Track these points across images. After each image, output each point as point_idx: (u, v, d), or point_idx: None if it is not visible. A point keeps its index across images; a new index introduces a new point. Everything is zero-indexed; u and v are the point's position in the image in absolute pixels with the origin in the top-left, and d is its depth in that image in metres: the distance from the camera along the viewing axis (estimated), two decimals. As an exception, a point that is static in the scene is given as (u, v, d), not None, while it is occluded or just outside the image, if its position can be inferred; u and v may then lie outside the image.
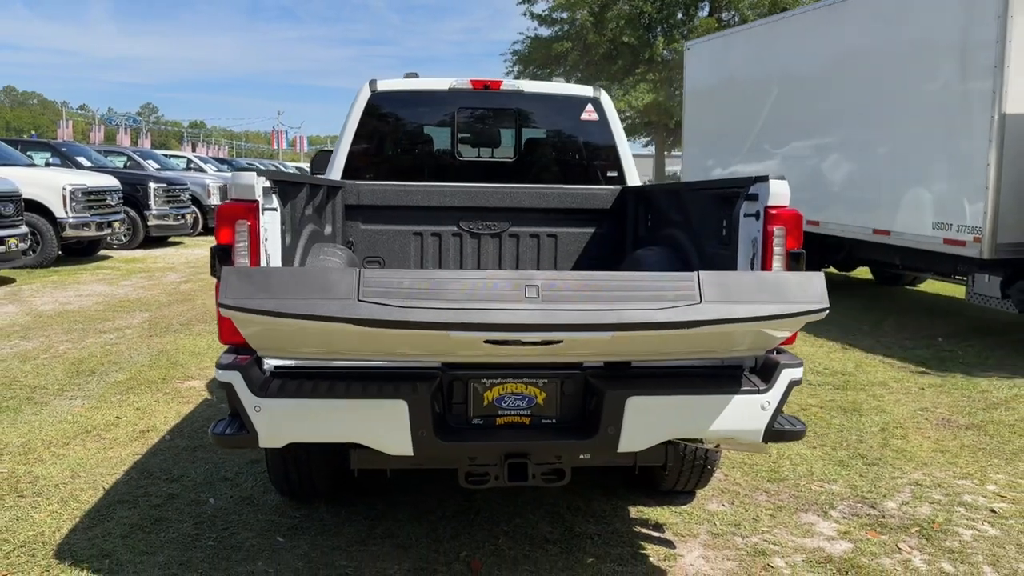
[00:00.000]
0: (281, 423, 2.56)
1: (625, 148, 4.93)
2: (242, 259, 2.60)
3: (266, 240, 2.68)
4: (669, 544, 3.39)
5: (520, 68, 32.91)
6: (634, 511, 3.71)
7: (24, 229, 10.77)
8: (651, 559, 3.24)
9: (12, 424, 4.76)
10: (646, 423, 2.67)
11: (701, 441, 3.02)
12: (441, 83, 4.82)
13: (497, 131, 4.97)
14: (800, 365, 2.80)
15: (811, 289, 2.30)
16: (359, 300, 2.14)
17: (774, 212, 2.77)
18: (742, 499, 3.86)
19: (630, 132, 36.75)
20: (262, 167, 23.27)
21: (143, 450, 4.37)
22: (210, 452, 4.32)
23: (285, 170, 22.39)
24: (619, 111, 31.42)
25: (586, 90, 4.91)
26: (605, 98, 4.92)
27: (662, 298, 2.23)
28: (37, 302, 9.11)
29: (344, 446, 2.86)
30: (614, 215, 4.84)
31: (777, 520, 3.62)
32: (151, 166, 17.90)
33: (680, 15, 31.64)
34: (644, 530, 3.52)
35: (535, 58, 32.16)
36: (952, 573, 3.16)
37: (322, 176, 4.67)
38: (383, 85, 4.80)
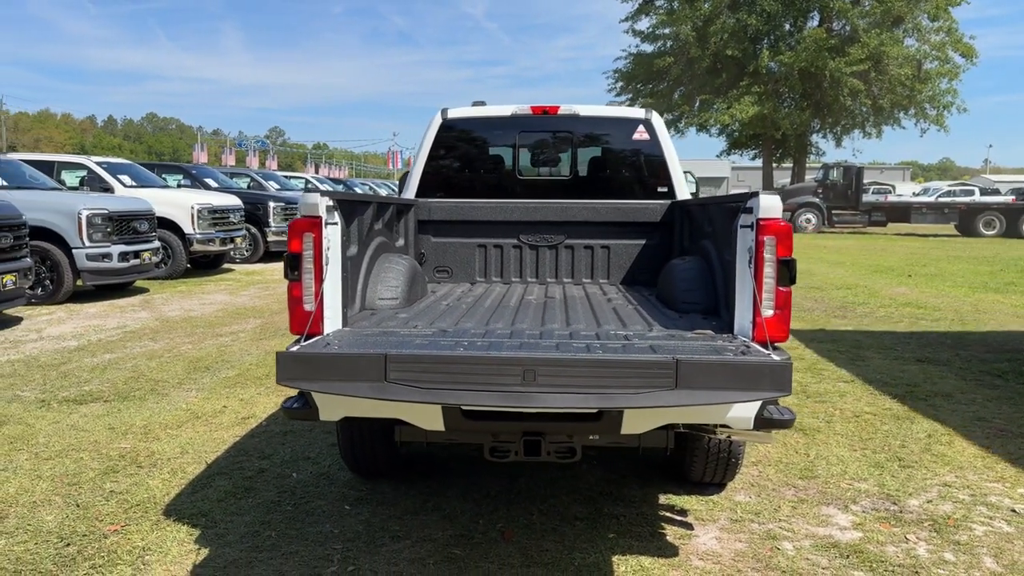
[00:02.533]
0: (337, 402, 3.08)
1: (675, 164, 5.27)
2: (308, 264, 3.16)
3: (328, 249, 3.23)
4: (688, 526, 3.72)
5: (622, 85, 33.24)
6: (663, 498, 4.05)
7: (157, 244, 12.01)
8: (668, 538, 3.59)
9: (137, 410, 5.54)
10: (646, 410, 3.04)
11: (713, 430, 3.37)
12: (504, 110, 5.32)
13: (555, 152, 5.42)
14: (788, 361, 3.10)
15: (779, 379, 2.60)
16: (386, 381, 2.63)
17: (764, 224, 3.09)
18: (769, 492, 4.13)
19: (735, 145, 36.44)
20: (348, 187, 24.62)
21: (242, 433, 5.03)
22: (298, 436, 4.94)
23: (376, 190, 23.23)
24: (722, 124, 31.30)
25: (638, 112, 5.30)
26: (656, 119, 5.29)
27: (640, 385, 2.58)
28: (166, 309, 10.19)
29: (391, 421, 3.37)
30: (664, 227, 5.19)
31: (797, 511, 3.88)
32: (272, 187, 19.26)
33: (788, 27, 31.16)
34: (668, 514, 3.85)
35: (637, 74, 32.42)
36: (951, 561, 3.35)
37: (392, 196, 5.25)
38: (452, 113, 5.34)
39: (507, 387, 2.62)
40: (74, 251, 10.46)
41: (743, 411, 3.03)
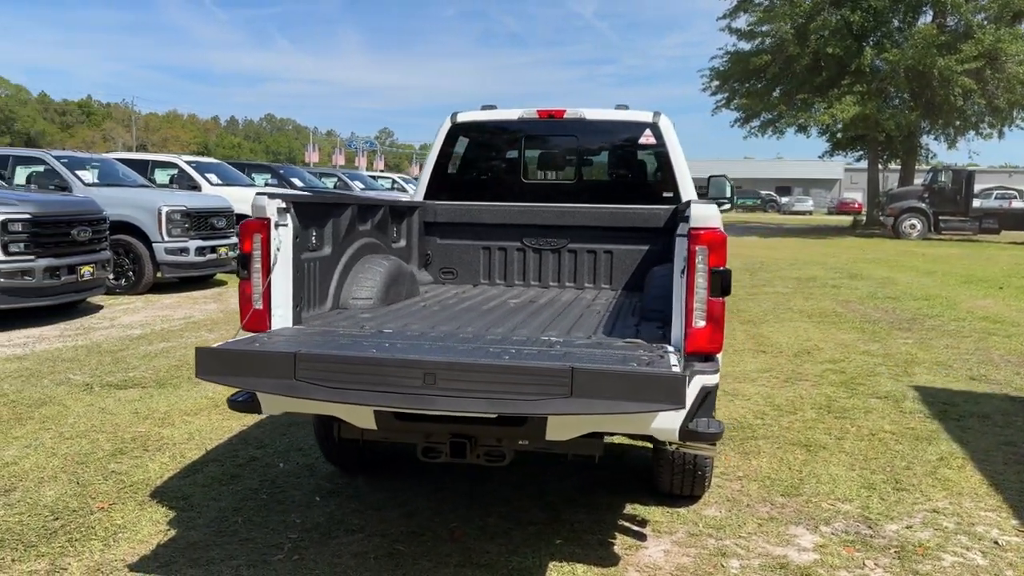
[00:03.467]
0: (275, 398, 3.21)
1: (682, 169, 5.18)
2: (257, 264, 3.32)
3: (277, 250, 3.37)
4: (642, 537, 3.67)
5: (717, 84, 32.47)
6: (629, 508, 4.00)
7: (234, 240, 12.62)
8: (615, 547, 3.55)
9: (166, 397, 5.89)
10: (569, 417, 3.04)
11: (664, 442, 3.32)
12: (512, 114, 5.37)
13: (560, 156, 5.42)
14: (715, 372, 3.04)
15: (672, 391, 2.54)
16: (295, 379, 2.73)
17: (697, 233, 3.03)
18: (743, 508, 4.01)
19: (838, 147, 34.97)
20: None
21: (250, 423, 5.27)
22: (299, 428, 5.13)
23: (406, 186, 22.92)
24: (822, 125, 30.10)
25: (645, 116, 5.23)
26: (664, 123, 5.21)
27: (536, 392, 2.58)
28: (234, 302, 10.72)
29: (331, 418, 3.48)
30: (667, 233, 5.11)
31: (763, 529, 3.77)
32: (357, 186, 19.89)
33: (896, 23, 29.69)
34: (626, 524, 3.81)
35: (732, 73, 31.60)
36: (902, 591, 3.19)
37: (378, 196, 5.38)
38: (462, 117, 5.42)
39: (408, 389, 2.68)
40: (154, 245, 11.13)
41: (667, 422, 2.98)
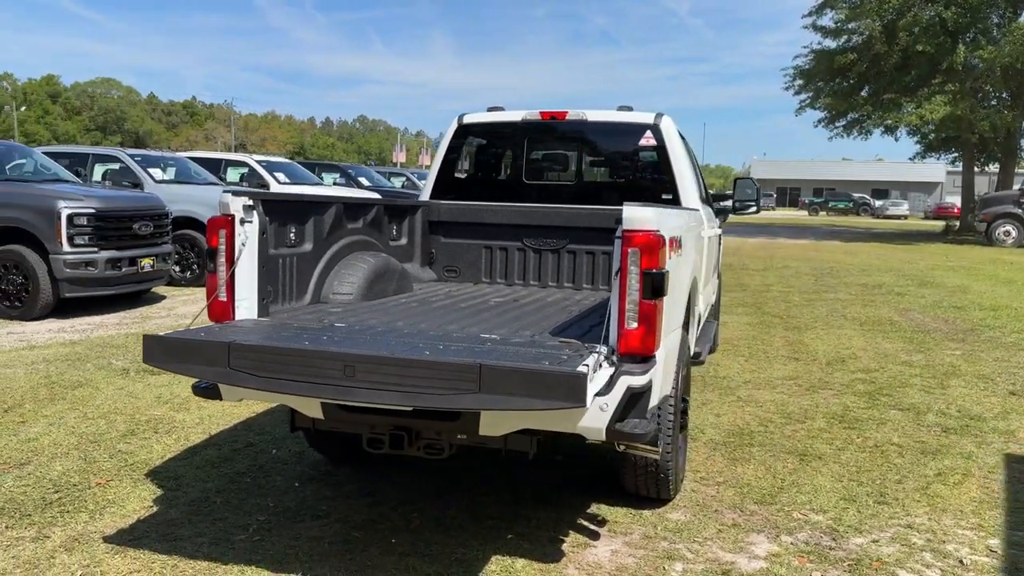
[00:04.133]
0: (233, 388, 3.39)
1: (683, 171, 5.14)
2: (221, 258, 3.51)
3: (243, 245, 3.56)
4: (595, 536, 3.69)
5: (801, 83, 31.54)
6: (594, 507, 4.02)
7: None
8: (564, 545, 3.59)
9: (189, 384, 6.20)
10: (498, 413, 3.10)
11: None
12: (515, 115, 5.44)
13: (561, 157, 5.46)
14: (643, 373, 3.04)
15: (573, 390, 2.59)
16: (230, 368, 2.90)
17: (628, 235, 3.05)
18: (710, 513, 3.98)
19: (930, 149, 33.43)
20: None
21: (259, 411, 5.52)
22: (303, 418, 5.34)
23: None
24: (911, 126, 28.84)
25: (646, 117, 5.22)
26: (666, 124, 5.18)
27: (446, 387, 2.67)
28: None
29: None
30: None
31: (721, 535, 3.73)
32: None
33: (995, 18, 28.19)
34: (585, 523, 3.84)
35: (817, 72, 30.63)
36: (840, 604, 3.12)
37: (362, 195, 5.52)
38: (468, 118, 5.53)
39: (330, 381, 2.80)
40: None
41: (593, 421, 3.01)
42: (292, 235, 4.02)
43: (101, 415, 5.34)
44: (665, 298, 3.23)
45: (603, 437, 3.05)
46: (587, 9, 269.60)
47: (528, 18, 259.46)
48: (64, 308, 9.20)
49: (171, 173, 12.78)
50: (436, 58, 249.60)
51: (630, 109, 5.34)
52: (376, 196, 15.46)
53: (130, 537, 3.59)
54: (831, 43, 30.46)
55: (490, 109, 5.60)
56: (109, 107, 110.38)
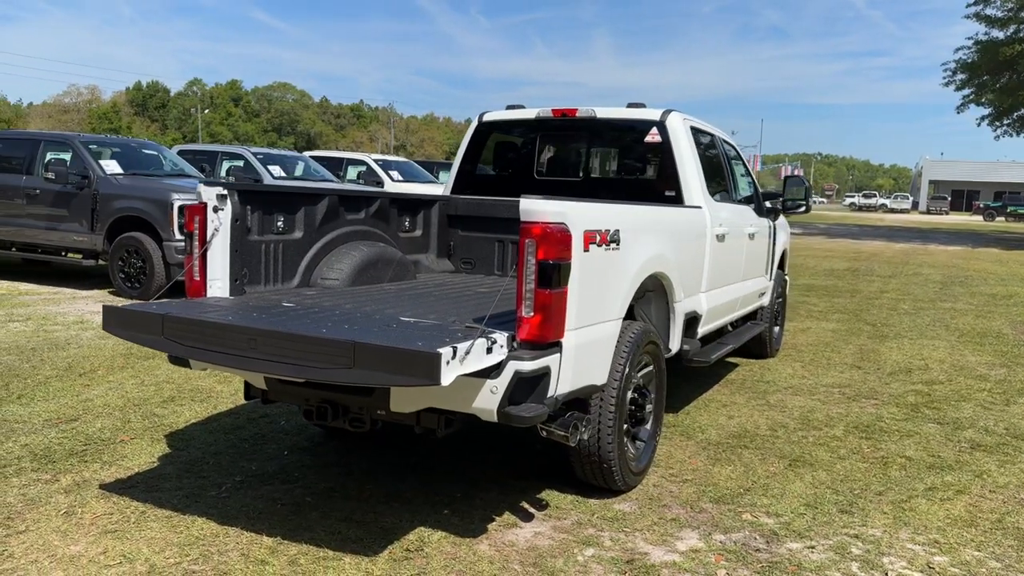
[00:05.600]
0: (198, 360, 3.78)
1: (688, 169, 5.11)
2: (195, 241, 3.92)
3: (216, 231, 3.95)
4: (528, 519, 3.81)
5: (963, 78, 29.20)
6: (545, 493, 4.13)
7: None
8: (493, 524, 3.73)
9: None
10: (409, 391, 3.31)
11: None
12: (529, 113, 5.59)
13: (571, 154, 5.55)
14: (533, 359, 3.15)
15: (428, 367, 2.76)
16: (164, 337, 3.29)
17: (526, 227, 3.17)
18: (657, 507, 3.99)
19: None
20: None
21: (290, 387, 5.98)
22: (324, 395, 5.75)
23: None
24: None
25: (653, 114, 5.22)
26: (672, 121, 5.16)
27: (326, 362, 2.92)
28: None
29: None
30: None
31: (653, 528, 3.74)
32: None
33: None
34: (527, 506, 3.96)
35: (980, 65, 28.25)
36: (727, 601, 3.09)
37: (356, 187, 5.79)
38: (488, 116, 5.74)
39: (238, 352, 3.12)
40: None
41: (485, 402, 3.16)
42: (280, 223, 4.39)
43: (154, 383, 5.98)
44: (578, 289, 3.32)
45: (495, 418, 3.19)
46: (758, 3, 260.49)
47: (694, 14, 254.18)
48: (175, 289, 10.20)
49: (290, 171, 13.77)
50: (596, 58, 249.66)
51: (642, 106, 5.35)
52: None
53: (121, 486, 4.08)
54: (998, 33, 28.00)
55: (509, 107, 5.77)
56: (284, 110, 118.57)
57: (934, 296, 12.93)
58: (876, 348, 8.34)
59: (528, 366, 3.15)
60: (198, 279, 3.93)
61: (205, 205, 3.91)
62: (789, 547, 3.58)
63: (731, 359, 7.49)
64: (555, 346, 3.28)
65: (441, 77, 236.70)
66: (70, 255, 10.86)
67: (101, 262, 10.61)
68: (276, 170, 13.22)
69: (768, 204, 6.98)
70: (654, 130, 5.18)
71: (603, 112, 5.40)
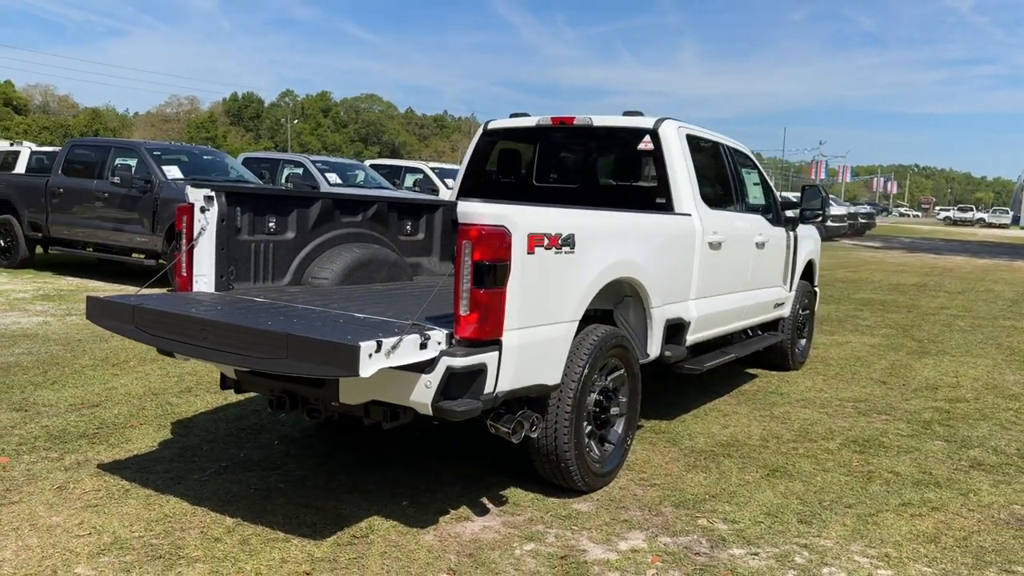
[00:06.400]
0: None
1: (680, 177, 5.13)
2: (183, 239, 4.20)
3: (203, 230, 4.22)
4: (483, 513, 3.92)
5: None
6: (508, 490, 4.22)
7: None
8: (446, 516, 3.85)
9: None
10: (353, 383, 3.47)
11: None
12: (530, 121, 5.71)
13: (568, 160, 5.64)
14: (466, 355, 3.26)
15: (347, 359, 2.92)
16: (134, 326, 3.55)
17: (463, 229, 3.29)
18: (614, 509, 4.03)
19: None
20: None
21: (302, 383, 6.25)
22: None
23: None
24: None
25: (646, 121, 5.27)
26: (666, 129, 5.20)
27: (264, 352, 3.13)
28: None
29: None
30: None
31: (604, 528, 3.79)
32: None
33: None
34: (485, 500, 4.07)
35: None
36: (646, 600, 3.12)
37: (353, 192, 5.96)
38: (492, 124, 5.89)
39: (193, 341, 3.36)
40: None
41: (420, 396, 3.30)
42: (272, 224, 4.64)
43: (177, 375, 6.34)
44: (520, 290, 3.43)
45: (430, 412, 3.32)
46: (851, 10, 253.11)
47: (783, 22, 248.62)
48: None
49: (348, 179, 14.24)
50: (683, 67, 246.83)
51: (639, 114, 5.40)
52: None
53: (115, 466, 4.38)
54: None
55: (513, 115, 5.90)
56: (371, 120, 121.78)
57: (997, 314, 12.37)
58: (910, 364, 8.08)
59: (460, 362, 3.26)
60: (185, 275, 4.20)
61: (192, 206, 4.18)
62: (732, 553, 3.58)
63: (750, 370, 7.40)
64: (493, 344, 3.39)
65: (524, 87, 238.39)
66: (134, 255, 11.53)
67: (161, 262, 11.21)
68: (333, 177, 13.70)
69: (789, 214, 6.89)
70: (647, 138, 5.23)
71: (599, 120, 5.47)
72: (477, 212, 3.31)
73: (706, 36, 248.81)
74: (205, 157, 12.38)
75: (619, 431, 4.44)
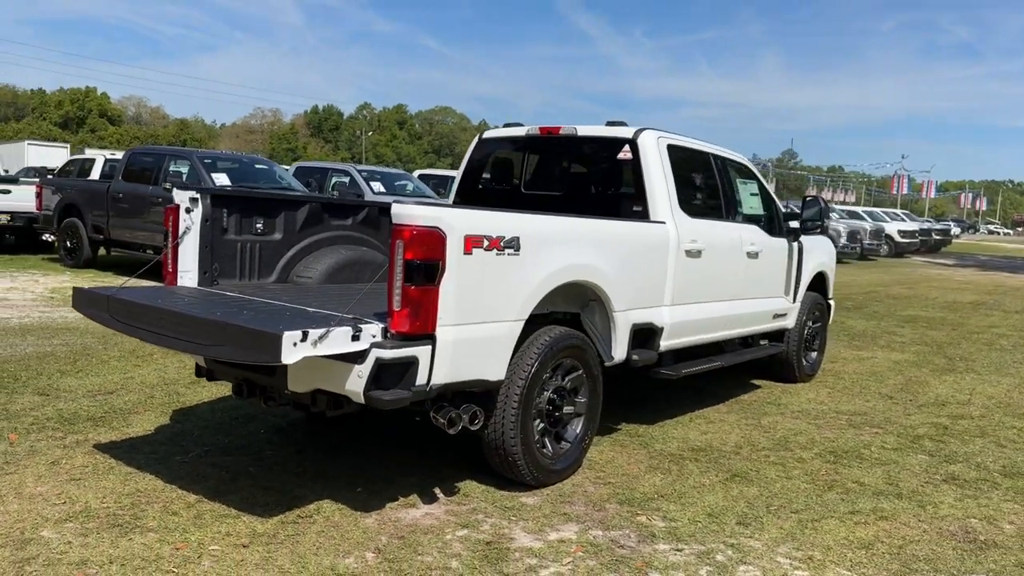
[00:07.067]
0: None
1: (656, 186, 5.24)
2: (169, 237, 4.54)
3: (187, 229, 4.56)
4: (430, 501, 4.11)
5: None
6: (465, 483, 4.40)
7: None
8: (393, 503, 4.06)
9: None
10: (300, 373, 3.73)
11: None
12: (521, 131, 5.91)
13: (553, 169, 5.80)
14: (395, 347, 3.47)
15: (270, 346, 3.16)
16: (109, 315, 3.90)
17: (397, 230, 3.51)
18: (559, 503, 4.17)
19: None
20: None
21: (306, 379, 6.57)
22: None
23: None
24: None
25: (626, 131, 5.40)
26: (644, 139, 5.32)
27: (206, 341, 3.41)
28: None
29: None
30: None
31: (540, 519, 3.94)
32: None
33: None
34: (437, 490, 4.26)
35: None
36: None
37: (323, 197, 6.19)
38: (487, 134, 6.12)
39: (156, 329, 3.67)
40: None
41: (353, 385, 3.52)
42: (259, 226, 4.95)
43: (191, 367, 6.71)
44: (455, 288, 3.63)
45: (362, 400, 3.54)
46: (946, 20, 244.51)
47: (872, 32, 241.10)
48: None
49: (396, 187, 14.67)
50: (763, 78, 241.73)
51: (623, 124, 5.54)
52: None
53: (108, 447, 4.75)
54: None
55: (506, 125, 6.10)
56: (444, 132, 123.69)
57: (1050, 333, 11.90)
58: (927, 380, 7.91)
59: (388, 354, 3.48)
60: (171, 270, 4.55)
61: (178, 207, 4.53)
62: (656, 548, 3.68)
63: (755, 381, 7.40)
64: (426, 339, 3.60)
65: (599, 99, 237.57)
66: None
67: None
68: (377, 186, 14.15)
69: (793, 224, 6.89)
70: (626, 147, 5.35)
71: (583, 130, 5.62)
72: (410, 214, 3.53)
73: (789, 47, 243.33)
74: (256, 166, 12.98)
75: (576, 430, 4.57)
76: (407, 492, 4.24)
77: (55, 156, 33.01)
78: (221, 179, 11.72)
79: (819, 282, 7.67)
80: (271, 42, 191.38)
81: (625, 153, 5.36)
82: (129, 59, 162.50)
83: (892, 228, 32.27)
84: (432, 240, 3.53)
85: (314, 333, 3.29)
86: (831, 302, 8.01)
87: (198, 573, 3.24)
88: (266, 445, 4.90)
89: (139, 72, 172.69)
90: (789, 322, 7.09)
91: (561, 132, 5.68)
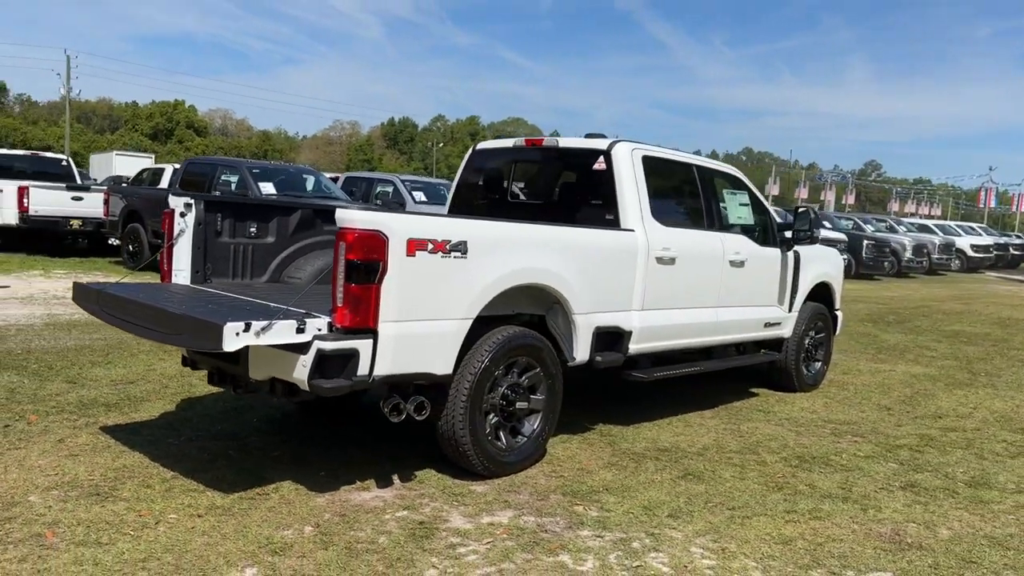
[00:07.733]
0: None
1: (628, 195, 5.45)
2: (164, 239, 5.00)
3: (181, 232, 5.01)
4: (385, 486, 4.43)
5: None
6: (425, 471, 4.69)
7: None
8: (350, 487, 4.38)
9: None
10: (258, 361, 4.10)
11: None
12: (508, 142, 6.21)
13: (535, 179, 6.06)
14: (336, 340, 3.81)
15: (211, 336, 3.54)
16: (99, 307, 4.36)
17: (340, 232, 3.85)
18: (505, 492, 4.42)
19: None
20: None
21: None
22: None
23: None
24: None
25: (601, 143, 5.63)
26: (618, 151, 5.54)
27: (167, 330, 3.83)
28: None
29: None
30: None
31: (480, 504, 4.20)
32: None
33: None
34: (396, 478, 4.57)
35: None
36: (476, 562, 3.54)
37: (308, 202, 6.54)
38: (480, 145, 6.44)
39: (134, 320, 4.10)
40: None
41: (299, 373, 3.87)
42: (253, 229, 5.38)
43: (211, 362, 7.24)
44: (397, 287, 3.95)
45: (307, 387, 3.89)
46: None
47: (967, 38, 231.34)
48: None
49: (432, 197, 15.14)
50: (848, 87, 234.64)
51: (602, 136, 5.78)
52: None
53: (112, 429, 5.23)
54: None
55: (497, 137, 6.40)
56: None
57: (1097, 352, 11.47)
58: (935, 394, 7.83)
59: (329, 346, 3.82)
60: (166, 268, 5.01)
61: (173, 211, 4.99)
62: (579, 534, 3.91)
63: (754, 388, 7.48)
64: (367, 333, 3.92)
65: (677, 109, 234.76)
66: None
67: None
68: (419, 195, 14.64)
69: (788, 235, 6.97)
70: (601, 159, 5.59)
71: (564, 142, 5.88)
72: (352, 218, 3.87)
73: (878, 54, 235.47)
74: (303, 175, 13.60)
75: (534, 426, 4.82)
76: (365, 477, 4.56)
77: (140, 165, 34.88)
78: (267, 188, 12.37)
79: (824, 293, 7.71)
80: (353, 56, 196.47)
81: (600, 164, 5.59)
82: (217, 72, 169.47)
83: (965, 242, 31.22)
84: (373, 242, 3.86)
85: (257, 325, 3.66)
86: (838, 313, 8.02)
87: (151, 537, 3.63)
88: (254, 433, 5.30)
89: (226, 85, 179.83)
90: (785, 331, 7.16)
91: (544, 143, 5.95)
